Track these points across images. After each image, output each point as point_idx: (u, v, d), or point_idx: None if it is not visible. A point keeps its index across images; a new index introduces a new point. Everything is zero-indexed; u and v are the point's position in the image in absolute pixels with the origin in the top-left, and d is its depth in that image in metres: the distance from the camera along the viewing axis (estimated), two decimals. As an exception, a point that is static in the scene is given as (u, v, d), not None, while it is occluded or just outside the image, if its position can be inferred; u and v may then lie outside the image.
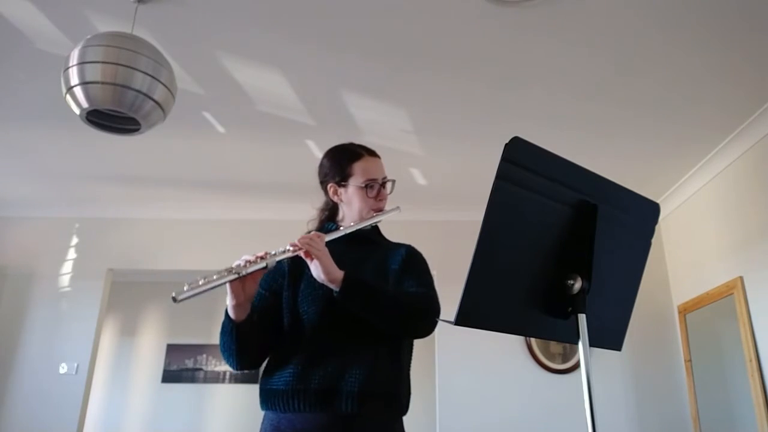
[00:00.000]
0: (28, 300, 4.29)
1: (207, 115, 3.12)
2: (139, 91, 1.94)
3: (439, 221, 4.30)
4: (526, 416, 3.92)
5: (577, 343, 1.01)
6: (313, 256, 1.29)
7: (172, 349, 6.26)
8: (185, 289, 1.19)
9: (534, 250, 1.04)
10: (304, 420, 1.29)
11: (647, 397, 3.96)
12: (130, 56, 1.92)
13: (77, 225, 4.53)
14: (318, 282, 1.36)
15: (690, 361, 3.80)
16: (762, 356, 3.02)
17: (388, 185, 1.54)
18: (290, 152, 3.53)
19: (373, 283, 1.36)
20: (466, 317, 0.95)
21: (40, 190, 4.19)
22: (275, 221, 4.52)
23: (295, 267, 1.44)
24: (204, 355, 6.24)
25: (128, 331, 6.38)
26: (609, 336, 1.18)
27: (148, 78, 1.95)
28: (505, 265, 1.01)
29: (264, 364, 1.43)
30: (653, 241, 1.20)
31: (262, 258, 1.28)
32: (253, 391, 6.05)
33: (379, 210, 1.50)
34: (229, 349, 1.36)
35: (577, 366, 4.02)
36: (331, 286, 1.29)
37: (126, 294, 6.10)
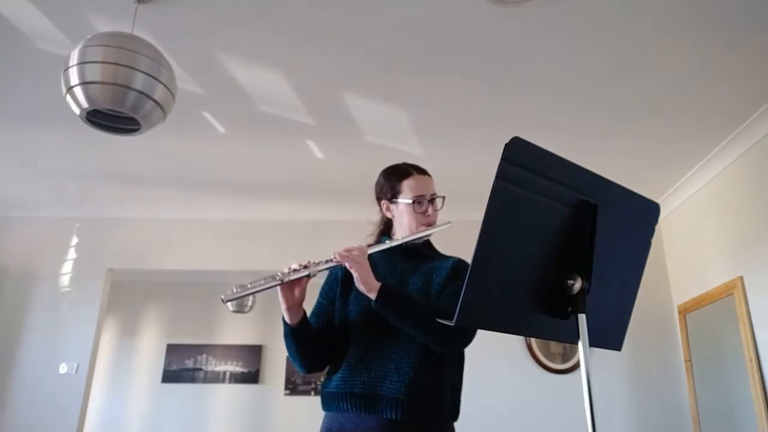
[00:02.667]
0: (29, 300, 4.30)
1: (207, 115, 3.12)
2: (139, 91, 1.94)
3: (439, 221, 4.30)
4: (527, 416, 3.92)
5: (577, 343, 1.01)
6: (351, 267, 1.40)
7: (172, 349, 6.26)
8: (234, 291, 1.36)
9: (534, 250, 1.04)
10: (352, 422, 1.39)
11: (647, 397, 3.96)
12: (130, 56, 1.92)
13: (77, 225, 4.53)
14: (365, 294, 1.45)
15: (690, 361, 3.80)
16: (762, 356, 3.02)
17: (438, 201, 1.64)
18: (290, 152, 3.53)
19: (409, 295, 1.46)
20: (466, 317, 0.95)
21: (40, 190, 4.19)
22: (275, 221, 4.53)
23: (348, 277, 1.52)
24: (204, 355, 6.24)
25: (128, 331, 6.38)
26: (609, 336, 1.18)
27: (148, 78, 1.95)
28: (506, 265, 1.01)
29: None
30: (653, 241, 1.19)
31: (305, 267, 1.42)
32: (252, 391, 6.09)
33: (429, 225, 1.60)
34: (292, 352, 1.50)
35: (577, 366, 4.02)
36: (369, 295, 1.39)
37: (126, 294, 6.10)
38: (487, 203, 0.96)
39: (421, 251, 1.63)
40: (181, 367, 6.20)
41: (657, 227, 1.21)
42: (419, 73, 2.72)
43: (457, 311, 0.94)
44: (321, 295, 1.61)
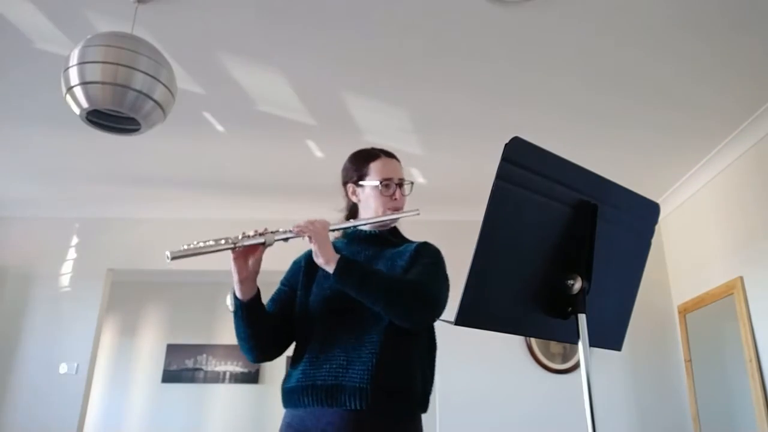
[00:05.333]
0: (28, 300, 4.29)
1: (207, 115, 3.12)
2: (139, 91, 1.94)
3: (439, 221, 4.30)
4: (526, 416, 3.91)
5: (577, 343, 1.01)
6: (311, 237, 1.32)
7: (172, 349, 6.26)
8: (182, 248, 1.24)
9: (534, 250, 1.04)
10: (314, 416, 1.32)
11: (647, 397, 3.96)
12: (130, 56, 1.92)
13: (77, 225, 4.53)
14: (326, 282, 1.40)
15: (690, 361, 3.80)
16: (762, 356, 3.02)
17: (406, 187, 1.57)
18: (290, 152, 3.53)
19: (369, 267, 1.39)
20: (466, 317, 0.95)
21: (40, 190, 4.19)
22: (275, 221, 4.51)
23: (310, 267, 1.48)
24: (204, 355, 6.24)
25: (128, 331, 6.38)
26: (609, 336, 1.18)
27: (148, 78, 1.95)
28: (505, 265, 1.01)
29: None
30: (653, 241, 1.20)
31: (261, 234, 1.33)
32: (252, 391, 6.09)
33: (396, 209, 1.53)
34: (240, 333, 1.39)
35: (577, 366, 4.02)
36: (327, 268, 1.32)
37: (126, 294, 6.09)
38: (487, 203, 0.96)
39: (386, 238, 1.55)
40: (181, 367, 6.20)
41: (657, 227, 1.21)
42: (419, 73, 2.71)
43: (457, 311, 0.94)
44: (282, 282, 1.54)
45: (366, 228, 1.54)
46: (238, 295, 1.36)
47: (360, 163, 1.57)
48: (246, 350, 1.42)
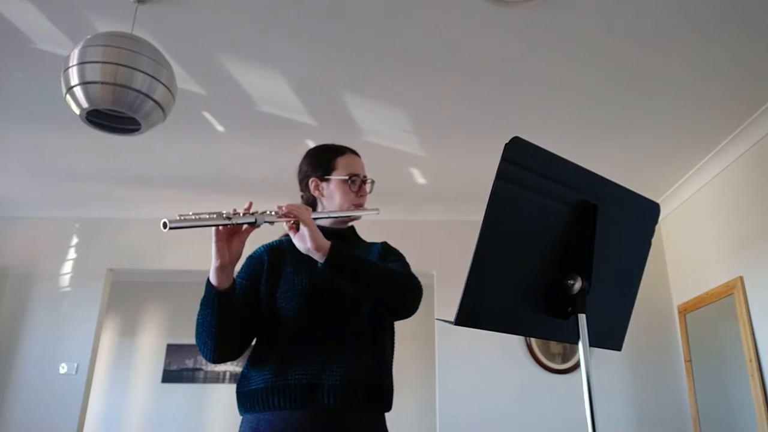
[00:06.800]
0: (29, 300, 4.29)
1: (207, 115, 3.12)
2: (139, 91, 1.94)
3: (439, 221, 4.30)
4: (526, 416, 3.92)
5: (577, 343, 1.01)
6: (301, 222, 1.25)
7: (172, 349, 6.26)
8: (177, 218, 1.18)
9: (534, 250, 1.04)
10: (284, 418, 1.25)
11: (647, 397, 3.96)
12: (130, 56, 1.92)
13: (77, 225, 4.53)
14: (297, 277, 1.36)
15: (690, 361, 3.80)
16: (762, 356, 3.02)
17: (368, 185, 1.55)
18: (290, 152, 3.52)
19: (363, 255, 1.36)
20: (465, 317, 0.95)
21: (40, 190, 4.20)
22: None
23: (275, 262, 1.44)
24: (204, 355, 6.24)
25: (128, 331, 6.38)
26: (609, 336, 1.18)
27: (148, 78, 1.95)
28: (505, 266, 1.01)
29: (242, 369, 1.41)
30: (653, 241, 1.20)
31: (251, 213, 1.26)
32: (253, 391, 6.08)
33: (359, 206, 1.51)
34: (209, 328, 1.27)
35: (577, 366, 4.02)
36: (316, 255, 1.24)
37: (126, 294, 6.10)
38: (487, 203, 0.96)
39: (347, 237, 1.52)
40: (181, 367, 6.20)
41: (657, 227, 1.21)
42: (419, 73, 2.71)
43: (457, 311, 0.94)
44: (241, 276, 1.42)
45: (326, 224, 1.50)
46: (215, 282, 1.26)
47: (327, 157, 1.55)
48: (209, 348, 1.29)
